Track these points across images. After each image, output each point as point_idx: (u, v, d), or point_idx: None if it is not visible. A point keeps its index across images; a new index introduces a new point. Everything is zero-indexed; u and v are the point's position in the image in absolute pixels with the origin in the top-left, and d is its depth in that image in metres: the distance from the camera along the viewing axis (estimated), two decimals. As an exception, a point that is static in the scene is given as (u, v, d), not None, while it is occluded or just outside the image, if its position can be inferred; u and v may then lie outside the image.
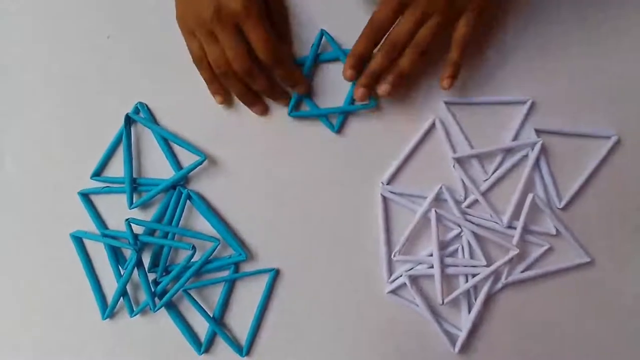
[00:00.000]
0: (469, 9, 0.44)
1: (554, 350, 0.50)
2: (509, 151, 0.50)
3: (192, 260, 0.50)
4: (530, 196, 0.49)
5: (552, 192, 0.50)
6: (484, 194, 0.50)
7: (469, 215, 0.50)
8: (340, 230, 0.51)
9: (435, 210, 0.49)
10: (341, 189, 0.51)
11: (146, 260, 0.51)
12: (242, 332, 0.52)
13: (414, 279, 0.50)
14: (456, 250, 0.50)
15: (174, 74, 0.51)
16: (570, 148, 0.50)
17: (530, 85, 0.50)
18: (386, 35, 0.45)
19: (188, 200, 0.51)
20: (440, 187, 0.49)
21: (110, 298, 0.52)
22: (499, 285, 0.50)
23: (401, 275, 0.50)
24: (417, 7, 0.43)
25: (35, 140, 0.53)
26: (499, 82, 0.50)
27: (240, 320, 0.52)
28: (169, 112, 0.52)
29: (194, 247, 0.49)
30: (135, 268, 0.50)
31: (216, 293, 0.52)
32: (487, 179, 0.50)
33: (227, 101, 0.50)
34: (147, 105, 0.52)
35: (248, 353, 0.51)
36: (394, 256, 0.50)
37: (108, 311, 0.51)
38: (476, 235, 0.49)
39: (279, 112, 0.51)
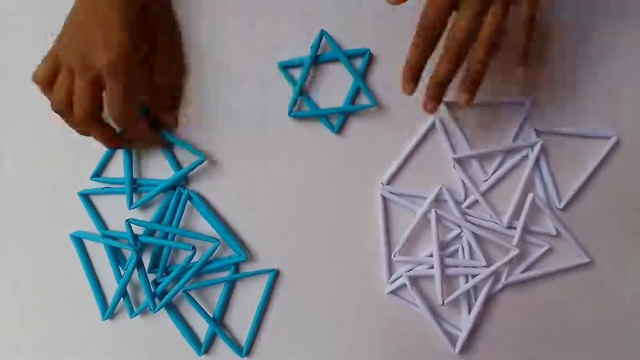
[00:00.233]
0: None
1: (554, 351, 0.50)
2: (509, 152, 0.50)
3: (192, 260, 0.50)
4: (530, 196, 0.49)
5: (552, 192, 0.50)
6: (484, 195, 0.50)
7: (469, 215, 0.50)
8: (340, 231, 0.51)
9: (435, 211, 0.49)
10: (341, 190, 0.51)
11: (146, 260, 0.51)
12: (242, 333, 0.52)
13: (414, 280, 0.50)
14: (456, 251, 0.50)
15: (174, 75, 0.51)
16: (570, 148, 0.50)
17: (530, 85, 0.50)
18: (445, 37, 0.41)
19: (188, 201, 0.51)
20: (440, 188, 0.49)
21: (110, 298, 0.52)
22: (499, 285, 0.50)
23: (401, 276, 0.50)
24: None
25: (35, 140, 0.53)
26: (499, 82, 0.50)
27: (240, 320, 0.52)
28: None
29: (194, 248, 0.49)
30: (136, 268, 0.50)
31: (216, 293, 0.52)
32: (487, 180, 0.50)
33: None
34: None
35: (248, 353, 0.51)
36: (394, 257, 0.50)
37: (108, 312, 0.51)
38: (476, 236, 0.49)
39: (279, 113, 0.51)
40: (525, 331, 0.50)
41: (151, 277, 0.51)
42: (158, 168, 0.52)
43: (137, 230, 0.51)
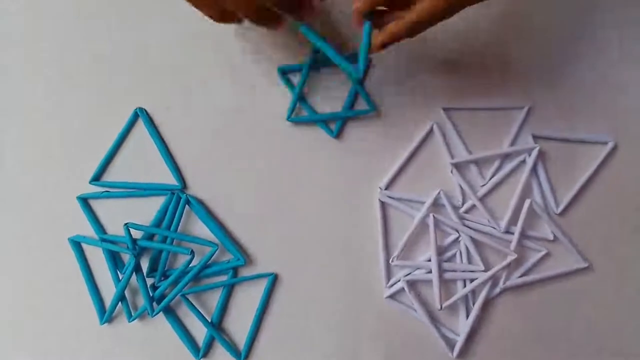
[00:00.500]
0: None
1: (552, 355, 0.50)
2: (506, 157, 0.50)
3: (190, 265, 0.50)
4: (527, 201, 0.49)
5: (550, 197, 0.50)
6: (482, 199, 0.50)
7: (467, 220, 0.50)
8: (338, 235, 0.51)
9: (433, 216, 0.49)
10: (339, 194, 0.51)
11: (144, 264, 0.51)
12: (240, 337, 0.52)
13: (412, 284, 0.50)
14: (454, 256, 0.50)
15: (174, 80, 0.51)
16: (567, 154, 0.50)
17: (528, 91, 0.50)
18: None
19: (187, 205, 0.51)
20: (438, 192, 0.50)
21: (108, 303, 0.52)
22: (497, 290, 0.50)
23: (399, 280, 0.50)
24: None
25: (34, 144, 0.53)
26: (497, 88, 0.50)
27: (238, 325, 0.52)
28: (169, 117, 0.52)
29: (192, 252, 0.49)
30: (134, 273, 0.50)
31: (214, 298, 0.52)
32: (484, 185, 0.50)
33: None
34: (146, 111, 0.52)
35: (246, 358, 0.51)
36: (392, 261, 0.50)
37: (106, 316, 0.51)
38: (474, 241, 0.50)
39: (278, 118, 0.51)
40: (523, 336, 0.50)
41: (149, 281, 0.51)
42: (158, 173, 0.52)
43: (136, 234, 0.51)
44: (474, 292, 0.50)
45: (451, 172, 0.50)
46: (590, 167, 0.50)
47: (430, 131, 0.50)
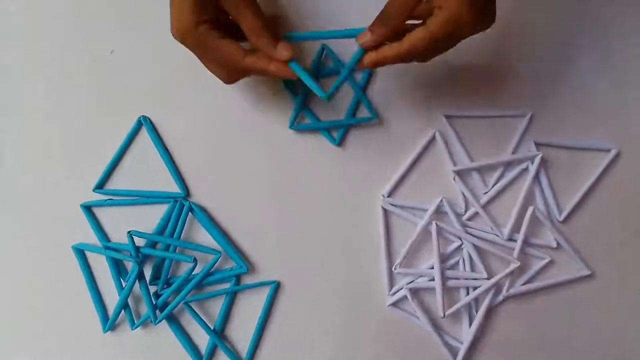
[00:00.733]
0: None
1: (556, 364, 0.50)
2: (509, 164, 0.50)
3: (193, 272, 0.50)
4: (530, 209, 0.49)
5: (552, 205, 0.50)
6: (484, 207, 0.50)
7: (470, 228, 0.50)
8: (341, 243, 0.51)
9: (436, 223, 0.49)
10: (342, 202, 0.51)
11: (147, 272, 0.51)
12: (243, 345, 0.52)
13: (414, 292, 0.50)
14: (457, 263, 0.50)
15: (178, 88, 0.52)
16: (570, 161, 0.50)
17: (530, 98, 0.50)
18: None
19: (190, 213, 0.51)
20: (441, 200, 0.50)
21: (111, 310, 0.52)
22: (500, 298, 0.50)
23: (402, 288, 0.50)
24: None
25: (36, 150, 0.53)
26: (499, 95, 0.50)
27: (241, 332, 0.52)
28: (172, 125, 0.52)
29: (195, 260, 0.49)
30: (137, 280, 0.50)
31: (217, 305, 0.52)
32: (487, 192, 0.50)
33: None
34: (149, 119, 0.52)
35: (249, 366, 0.51)
36: (395, 269, 0.50)
37: (109, 324, 0.51)
38: (477, 248, 0.50)
39: (281, 125, 0.51)
40: (526, 343, 0.50)
41: (152, 289, 0.51)
42: (161, 180, 0.52)
43: (139, 242, 0.51)
44: (477, 300, 0.50)
45: (454, 179, 0.50)
46: (593, 174, 0.50)
47: (433, 139, 0.50)
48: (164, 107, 0.52)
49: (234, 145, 0.52)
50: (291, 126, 0.51)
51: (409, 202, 0.50)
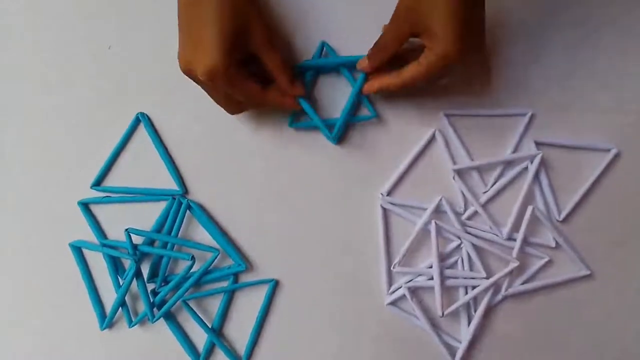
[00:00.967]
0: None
1: (554, 363, 0.50)
2: (508, 163, 0.50)
3: (191, 270, 0.50)
4: (530, 208, 0.49)
5: (552, 204, 0.50)
6: (484, 206, 0.50)
7: (469, 227, 0.50)
8: (340, 242, 0.51)
9: (435, 222, 0.49)
10: (341, 200, 0.51)
11: (145, 270, 0.51)
12: (241, 343, 0.52)
13: (413, 291, 0.50)
14: (456, 262, 0.50)
15: (176, 84, 0.51)
16: (570, 161, 0.50)
17: (530, 97, 0.50)
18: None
19: (188, 211, 0.51)
20: (440, 199, 0.49)
21: (108, 308, 0.52)
22: (499, 297, 0.50)
23: (401, 287, 0.50)
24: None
25: (34, 147, 0.53)
26: (499, 94, 0.50)
27: (239, 331, 0.52)
28: (170, 122, 0.52)
29: (193, 258, 0.49)
30: (134, 278, 0.50)
31: (215, 303, 0.51)
32: (486, 191, 0.50)
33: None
34: (147, 116, 0.52)
35: (247, 364, 0.51)
36: (394, 268, 0.50)
37: (107, 321, 0.51)
38: (476, 247, 0.49)
39: (279, 123, 0.51)
40: (525, 343, 0.50)
41: (150, 286, 0.51)
42: (159, 178, 0.52)
43: (137, 239, 0.51)
44: (476, 299, 0.50)
45: (453, 178, 0.50)
46: (593, 174, 0.50)
47: (432, 137, 0.50)
48: (162, 104, 0.52)
49: (233, 142, 0.51)
50: (290, 124, 0.50)
51: (408, 200, 0.50)
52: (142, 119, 0.51)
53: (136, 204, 0.52)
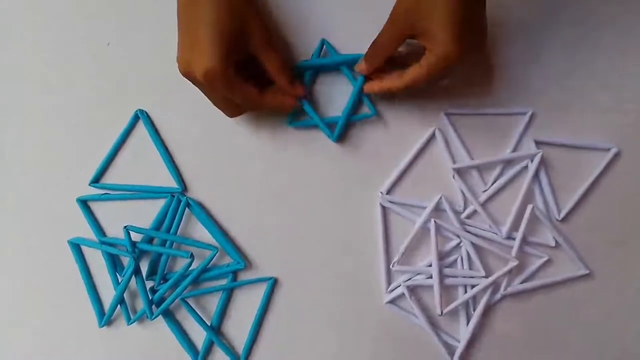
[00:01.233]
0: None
1: (553, 362, 0.50)
2: (508, 162, 0.50)
3: (190, 268, 0.49)
4: (529, 207, 0.49)
5: (552, 203, 0.50)
6: (483, 205, 0.50)
7: (468, 225, 0.50)
8: (339, 240, 0.51)
9: (435, 221, 0.49)
10: (340, 199, 0.51)
11: (144, 267, 0.51)
12: (239, 341, 0.51)
13: (412, 289, 0.50)
14: (455, 261, 0.50)
15: (175, 83, 0.51)
16: (569, 160, 0.50)
17: (530, 96, 0.50)
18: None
19: (187, 208, 0.51)
20: (440, 198, 0.49)
21: (107, 305, 0.52)
22: (498, 296, 0.50)
23: (400, 286, 0.50)
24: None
25: (33, 144, 0.53)
26: (499, 93, 0.50)
27: (238, 328, 0.51)
28: (169, 120, 0.52)
29: (192, 255, 0.49)
30: (133, 275, 0.50)
31: (214, 301, 0.51)
32: (486, 190, 0.50)
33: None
34: (147, 113, 0.52)
35: (245, 362, 0.51)
36: (393, 266, 0.50)
37: (105, 319, 0.51)
38: (475, 246, 0.49)
39: (279, 122, 0.51)
40: (524, 342, 0.50)
41: (149, 284, 0.51)
42: (158, 175, 0.52)
43: (136, 237, 0.51)
44: (475, 298, 0.50)
45: (453, 177, 0.50)
46: (593, 173, 0.50)
47: (432, 136, 0.50)
48: (162, 104, 0.52)
49: (232, 140, 0.51)
50: (290, 123, 0.50)
51: (408, 199, 0.50)
52: (141, 116, 0.51)
53: (135, 202, 0.52)
